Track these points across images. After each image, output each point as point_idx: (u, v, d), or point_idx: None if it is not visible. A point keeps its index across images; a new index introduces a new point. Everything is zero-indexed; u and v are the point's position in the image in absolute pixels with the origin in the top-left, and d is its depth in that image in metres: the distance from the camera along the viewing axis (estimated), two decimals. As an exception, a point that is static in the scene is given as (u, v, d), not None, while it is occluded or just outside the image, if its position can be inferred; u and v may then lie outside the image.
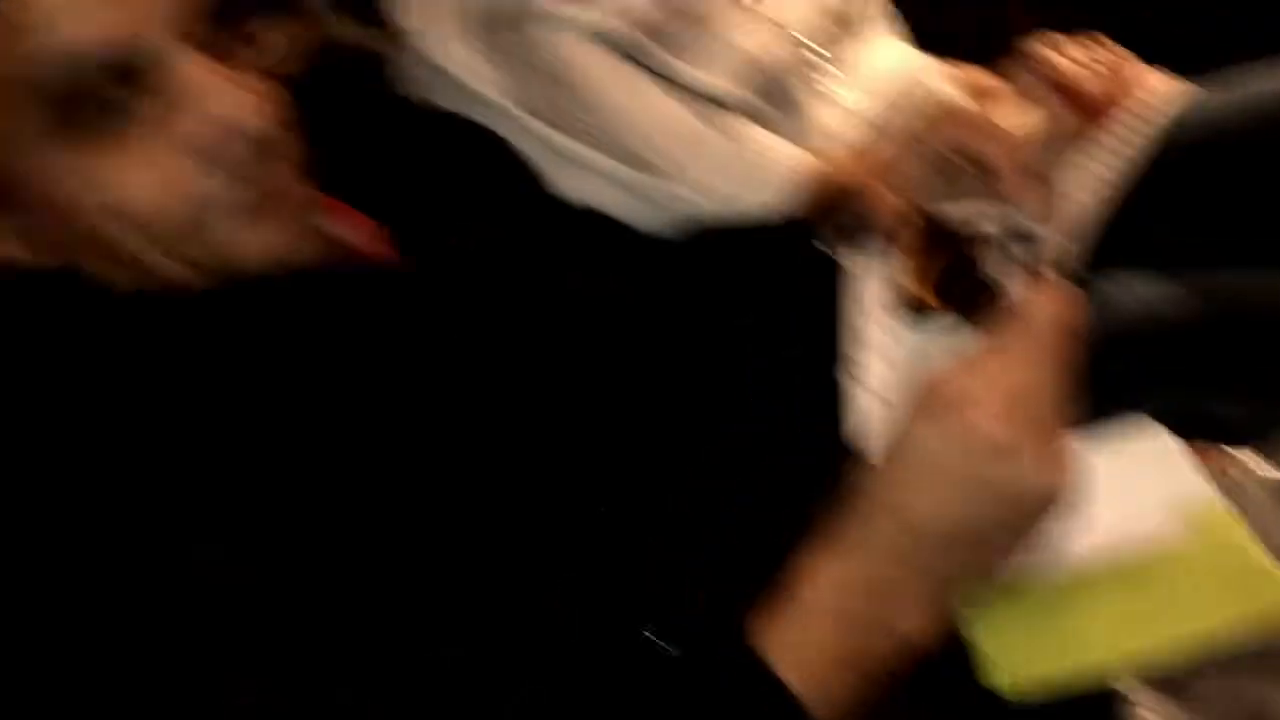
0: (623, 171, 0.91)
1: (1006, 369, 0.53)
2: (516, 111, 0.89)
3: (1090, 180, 0.90)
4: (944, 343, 0.62)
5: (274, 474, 0.55)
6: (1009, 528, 0.54)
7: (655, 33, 0.94)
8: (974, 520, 0.53)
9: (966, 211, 0.67)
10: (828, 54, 1.04)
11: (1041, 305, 0.55)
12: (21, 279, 0.59)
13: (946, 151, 0.67)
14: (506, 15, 0.90)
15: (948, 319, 0.62)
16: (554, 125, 0.90)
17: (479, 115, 0.88)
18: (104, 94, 0.55)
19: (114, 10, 0.54)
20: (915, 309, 0.63)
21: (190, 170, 0.57)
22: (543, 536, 0.58)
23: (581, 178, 0.90)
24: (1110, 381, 0.61)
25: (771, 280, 0.78)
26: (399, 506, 0.56)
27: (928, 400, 0.54)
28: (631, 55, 0.93)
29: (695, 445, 0.66)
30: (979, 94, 1.06)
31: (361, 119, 0.83)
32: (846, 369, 0.61)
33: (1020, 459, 0.52)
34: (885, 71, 1.08)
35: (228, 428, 0.56)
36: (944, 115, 0.66)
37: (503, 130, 0.87)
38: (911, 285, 0.63)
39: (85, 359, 0.57)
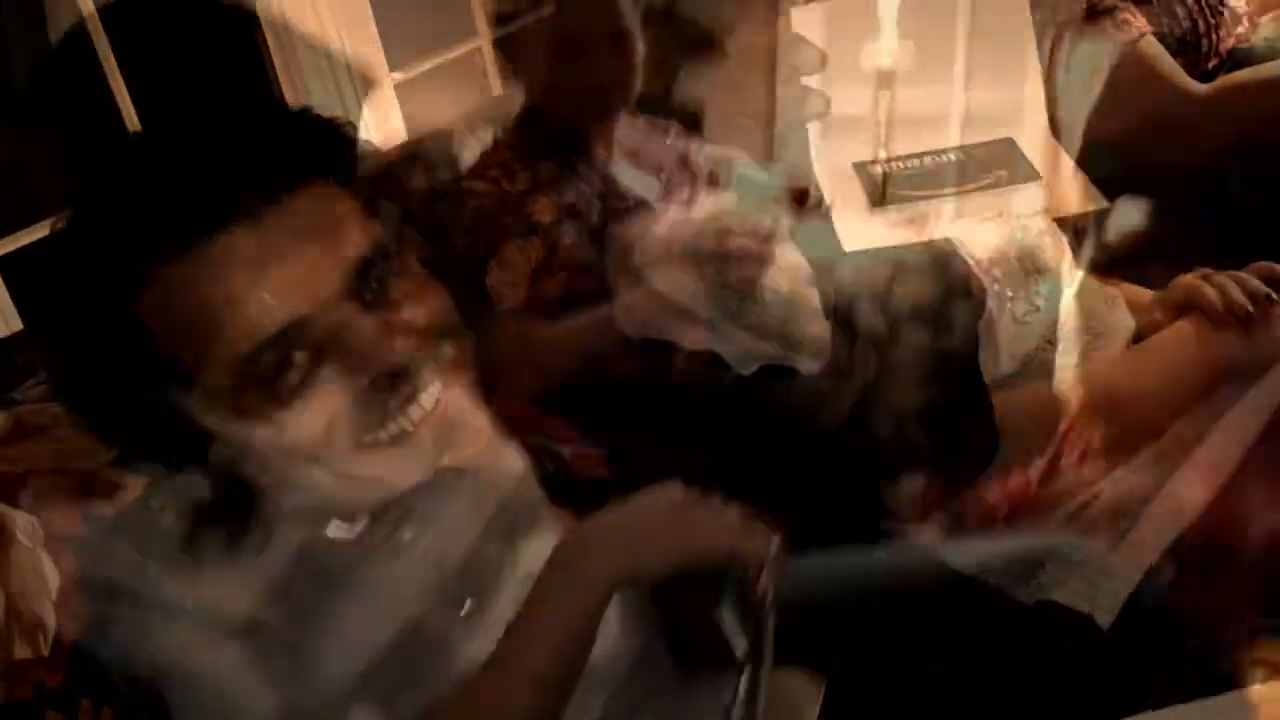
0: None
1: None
2: (718, 319, 1.13)
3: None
4: None
5: None
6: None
7: None
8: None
9: None
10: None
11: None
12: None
13: None
14: (715, 255, 1.13)
15: None
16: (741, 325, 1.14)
17: (686, 330, 1.10)
18: (286, 364, 0.64)
19: (293, 298, 0.64)
20: None
21: (347, 408, 0.66)
22: None
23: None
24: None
25: None
26: None
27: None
28: None
29: None
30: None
31: None
32: None
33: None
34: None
35: None
36: None
37: (704, 337, 1.11)
38: None
39: None
